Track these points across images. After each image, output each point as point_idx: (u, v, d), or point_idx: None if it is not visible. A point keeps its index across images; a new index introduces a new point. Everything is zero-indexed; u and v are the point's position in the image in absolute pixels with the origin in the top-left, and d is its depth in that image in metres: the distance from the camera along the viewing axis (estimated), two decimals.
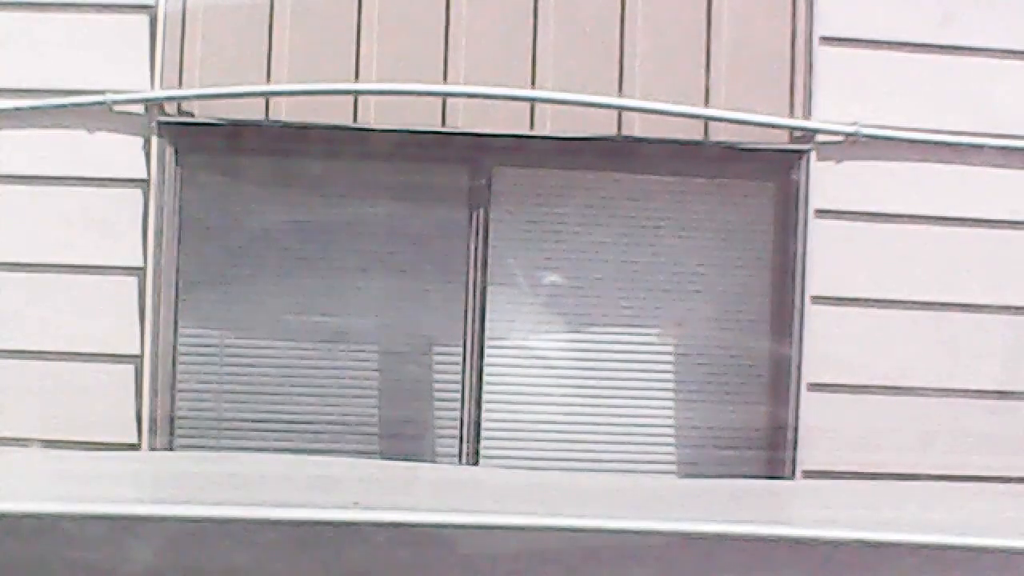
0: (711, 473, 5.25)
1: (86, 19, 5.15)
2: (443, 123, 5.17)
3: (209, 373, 5.28)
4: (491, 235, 5.28)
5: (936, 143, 5.21)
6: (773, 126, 5.20)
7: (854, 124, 5.19)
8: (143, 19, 5.17)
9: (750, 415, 5.28)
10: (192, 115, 5.18)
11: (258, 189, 5.29)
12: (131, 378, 5.15)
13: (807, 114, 5.22)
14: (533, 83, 5.18)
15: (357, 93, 5.16)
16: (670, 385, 5.35)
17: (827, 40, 5.22)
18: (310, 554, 3.45)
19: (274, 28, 5.16)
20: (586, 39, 5.20)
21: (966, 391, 5.21)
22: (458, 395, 5.26)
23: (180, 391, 5.24)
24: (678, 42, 5.20)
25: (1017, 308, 5.24)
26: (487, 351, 5.27)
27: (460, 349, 5.27)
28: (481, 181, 5.28)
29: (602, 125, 5.18)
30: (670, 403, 5.35)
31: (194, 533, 3.44)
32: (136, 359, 5.15)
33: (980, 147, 5.21)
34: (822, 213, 5.23)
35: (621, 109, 5.17)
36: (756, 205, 5.34)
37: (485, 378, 5.27)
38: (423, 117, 5.16)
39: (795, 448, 5.18)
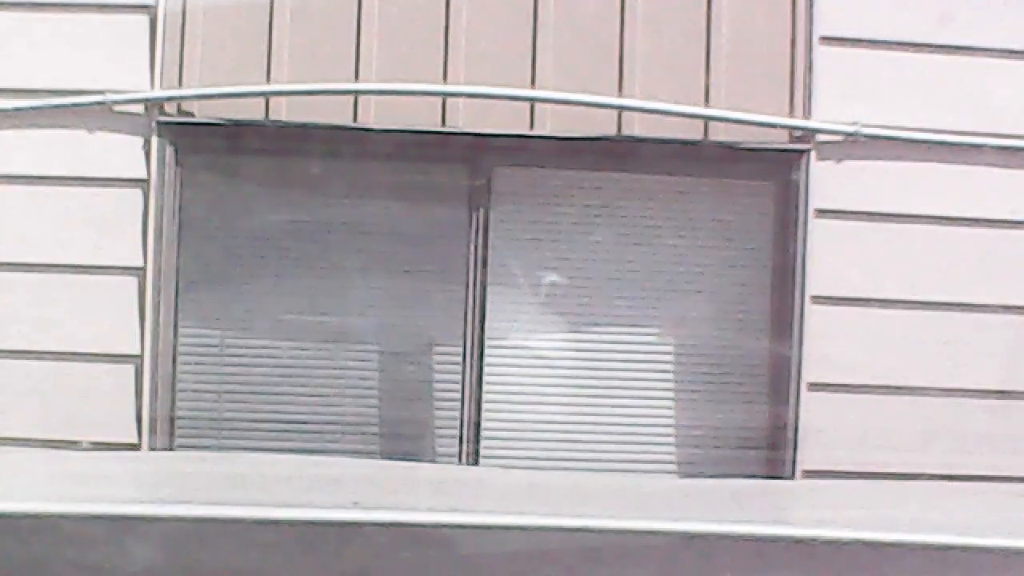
0: (711, 473, 5.25)
1: (86, 19, 5.15)
2: (443, 123, 5.17)
3: (209, 373, 5.28)
4: (491, 235, 5.28)
5: (936, 143, 5.21)
6: (773, 126, 5.20)
7: (854, 124, 5.19)
8: (143, 19, 5.17)
9: (750, 415, 5.28)
10: (192, 115, 5.18)
11: (258, 189, 5.29)
12: (131, 378, 5.15)
13: (807, 114, 5.22)
14: (533, 83, 5.18)
15: (357, 93, 5.16)
16: (670, 385, 5.35)
17: (827, 40, 5.22)
18: (310, 554, 3.45)
19: (274, 28, 5.17)
20: (586, 39, 5.21)
21: (966, 391, 5.21)
22: (458, 395, 5.26)
23: (180, 391, 5.24)
24: (678, 42, 5.20)
25: (1017, 308, 5.24)
26: (487, 351, 5.27)
27: (460, 349, 5.27)
28: (481, 181, 5.28)
29: (602, 125, 5.18)
30: (670, 403, 5.35)
31: (194, 533, 3.44)
32: (136, 359, 5.15)
33: (980, 147, 5.21)
34: (822, 213, 5.23)
35: (621, 109, 5.17)
36: (756, 205, 5.34)
37: (485, 378, 5.27)
38: (423, 117, 5.16)
39: (795, 448, 5.18)
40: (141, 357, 5.14)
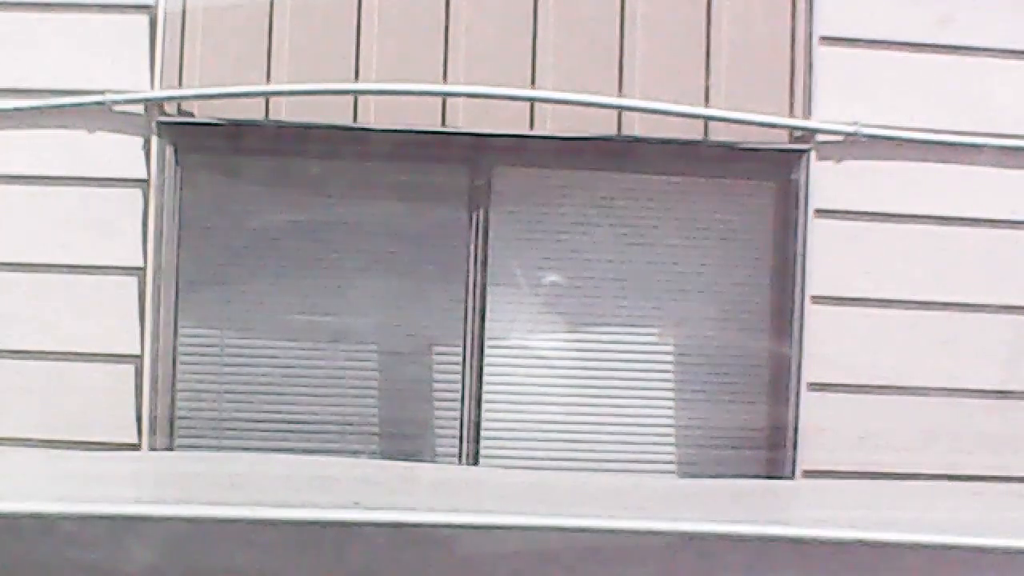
0: (711, 473, 5.25)
1: (86, 19, 5.15)
2: (443, 123, 5.17)
3: (209, 373, 5.28)
4: (491, 235, 5.28)
5: (936, 143, 5.21)
6: (773, 126, 5.20)
7: (854, 124, 5.19)
8: (143, 19, 5.17)
9: (750, 415, 5.28)
10: (192, 115, 5.18)
11: (258, 189, 5.29)
12: (131, 378, 5.15)
13: (807, 114, 5.22)
14: (533, 83, 5.18)
15: (357, 93, 5.16)
16: (670, 385, 5.35)
17: (827, 40, 5.22)
18: (310, 554, 3.45)
19: (274, 28, 5.17)
20: (586, 39, 5.20)
21: (966, 391, 5.21)
22: (458, 395, 5.26)
23: (180, 391, 5.24)
24: (678, 42, 5.20)
25: (1017, 308, 5.24)
26: (487, 351, 5.27)
27: (460, 349, 5.27)
28: (481, 181, 5.28)
29: (602, 125, 5.18)
30: (670, 403, 5.35)
31: (194, 533, 3.44)
32: (136, 359, 5.15)
33: (980, 147, 5.21)
34: (822, 213, 5.23)
35: (621, 109, 5.17)
36: (756, 205, 5.34)
37: (485, 378, 5.27)
38: (423, 117, 5.16)
39: (795, 448, 5.18)
40: (141, 357, 5.14)
